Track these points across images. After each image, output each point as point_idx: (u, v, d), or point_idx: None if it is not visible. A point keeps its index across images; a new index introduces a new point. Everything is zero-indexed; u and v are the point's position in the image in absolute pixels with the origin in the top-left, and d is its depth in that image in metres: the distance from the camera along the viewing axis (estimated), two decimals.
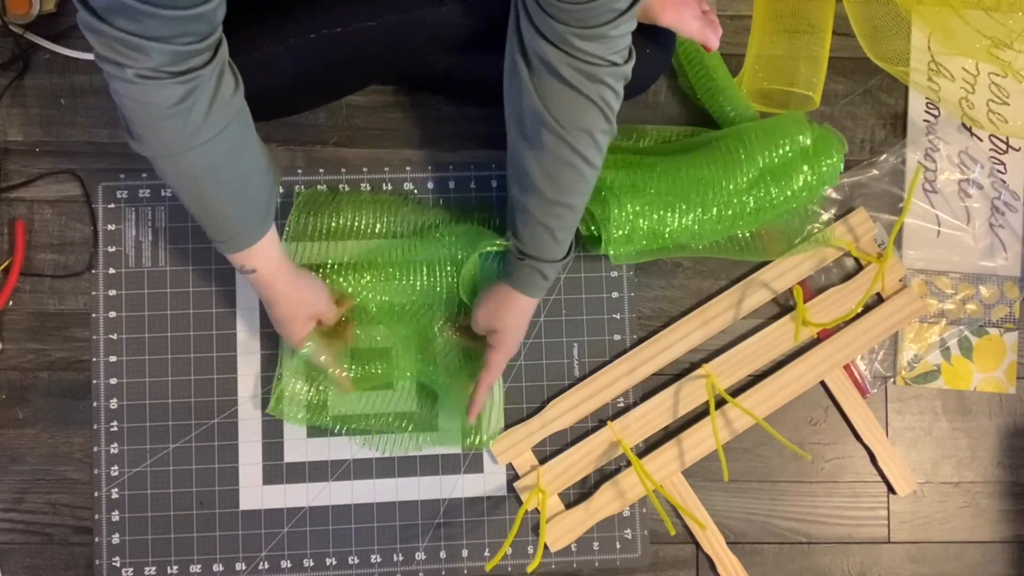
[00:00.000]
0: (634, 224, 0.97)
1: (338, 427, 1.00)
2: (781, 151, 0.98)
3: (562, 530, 1.02)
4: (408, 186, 1.03)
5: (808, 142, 0.98)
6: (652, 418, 1.04)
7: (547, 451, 1.03)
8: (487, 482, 1.02)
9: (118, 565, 0.99)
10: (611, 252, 0.99)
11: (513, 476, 1.02)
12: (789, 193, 0.99)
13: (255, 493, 1.00)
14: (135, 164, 1.02)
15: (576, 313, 1.04)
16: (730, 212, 0.98)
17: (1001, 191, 1.11)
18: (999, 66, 1.07)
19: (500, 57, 0.86)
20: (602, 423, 1.03)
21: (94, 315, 1.00)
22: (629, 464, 1.02)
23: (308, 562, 1.00)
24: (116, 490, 0.99)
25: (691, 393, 1.04)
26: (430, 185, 1.04)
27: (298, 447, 1.01)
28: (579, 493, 1.03)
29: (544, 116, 0.81)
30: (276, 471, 1.01)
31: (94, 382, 1.00)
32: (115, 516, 0.99)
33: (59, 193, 1.02)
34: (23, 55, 1.01)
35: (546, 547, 1.01)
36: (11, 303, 1.00)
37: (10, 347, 1.01)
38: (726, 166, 0.98)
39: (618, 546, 1.03)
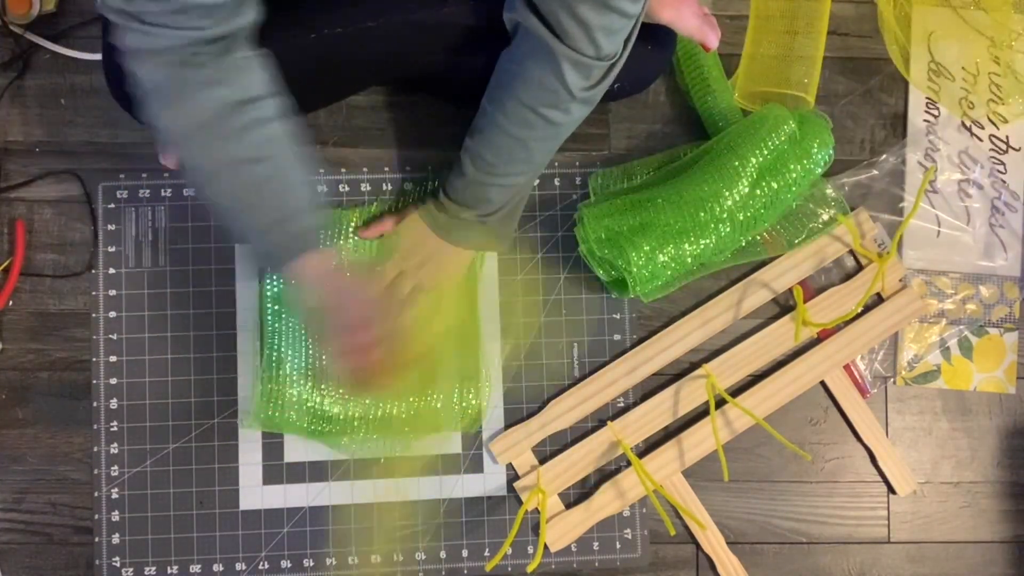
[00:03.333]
0: (654, 260, 0.97)
1: (335, 441, 1.00)
2: (771, 144, 0.98)
3: (562, 530, 1.02)
4: (408, 186, 1.03)
5: (794, 127, 0.98)
6: (652, 418, 1.04)
7: (547, 451, 1.03)
8: (487, 482, 1.02)
9: (118, 565, 0.99)
10: (639, 292, 0.99)
11: (513, 476, 1.02)
12: (790, 181, 0.99)
13: (255, 493, 1.00)
14: (135, 164, 1.02)
15: (576, 313, 1.04)
16: (742, 218, 0.98)
17: (1001, 191, 1.11)
18: (1001, 62, 1.07)
19: None
20: (602, 423, 1.03)
21: (94, 315, 1.00)
22: (629, 464, 1.02)
23: (308, 562, 1.00)
24: (116, 490, 0.99)
25: (691, 393, 1.04)
26: (430, 186, 1.04)
27: (298, 447, 1.01)
28: (579, 493, 1.03)
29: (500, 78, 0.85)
30: (276, 471, 1.01)
31: (94, 382, 1.00)
32: (115, 516, 0.99)
33: (59, 193, 1.02)
34: (23, 55, 1.01)
35: (546, 547, 1.01)
36: (11, 303, 1.00)
37: (10, 347, 1.01)
38: (723, 177, 0.97)
39: (618, 546, 1.03)
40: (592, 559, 1.03)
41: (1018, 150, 1.12)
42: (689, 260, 0.99)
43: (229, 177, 0.77)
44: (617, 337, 1.05)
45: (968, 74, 1.10)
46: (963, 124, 1.11)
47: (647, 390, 1.05)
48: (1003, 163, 1.11)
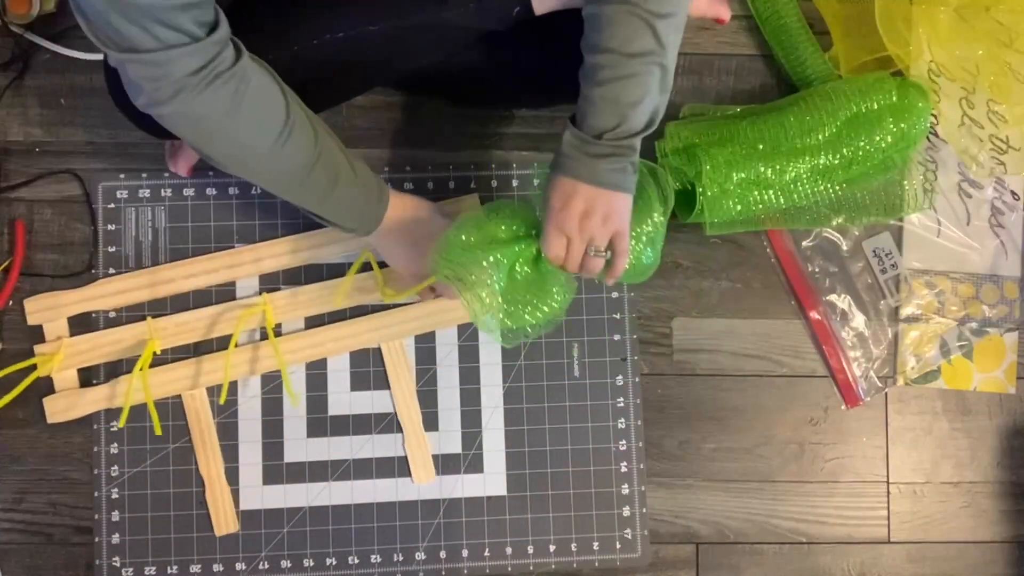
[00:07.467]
0: (727, 176, 0.96)
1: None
2: (868, 103, 0.98)
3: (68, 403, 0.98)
4: (408, 186, 1.03)
5: (894, 97, 0.99)
6: (189, 329, 1.00)
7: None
8: (487, 482, 1.02)
9: (118, 565, 0.99)
10: (707, 213, 0.97)
11: (514, 476, 1.02)
12: (881, 145, 0.98)
13: (255, 493, 1.00)
14: (135, 164, 1.02)
15: (576, 313, 1.04)
16: (821, 162, 0.98)
17: (1001, 191, 1.11)
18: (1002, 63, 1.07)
19: (501, 58, 0.86)
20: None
21: (94, 315, 1.00)
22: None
23: (308, 562, 1.00)
24: (116, 490, 0.99)
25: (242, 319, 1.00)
26: (430, 185, 1.04)
27: (298, 447, 1.01)
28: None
29: None
30: (276, 471, 1.01)
31: (94, 382, 1.00)
32: (115, 516, 0.99)
33: (59, 193, 1.02)
34: (23, 55, 1.01)
35: (546, 548, 1.01)
36: (11, 303, 1.00)
37: (10, 347, 1.01)
38: (813, 112, 0.98)
39: (618, 546, 1.03)
40: (592, 559, 1.03)
41: (1018, 150, 1.12)
42: (758, 195, 0.98)
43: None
44: (617, 337, 1.05)
45: (968, 74, 1.10)
46: (964, 120, 1.11)
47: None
48: (1003, 163, 1.11)
